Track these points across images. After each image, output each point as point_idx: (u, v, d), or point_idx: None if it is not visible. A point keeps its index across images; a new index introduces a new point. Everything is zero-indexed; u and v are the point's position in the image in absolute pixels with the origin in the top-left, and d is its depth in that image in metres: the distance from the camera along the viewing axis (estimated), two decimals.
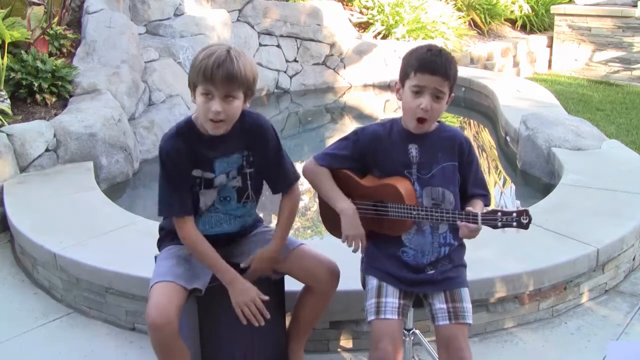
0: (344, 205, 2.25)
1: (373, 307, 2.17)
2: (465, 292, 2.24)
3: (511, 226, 2.01)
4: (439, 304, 2.19)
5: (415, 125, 2.17)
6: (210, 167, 2.27)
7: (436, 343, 2.21)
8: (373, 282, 2.24)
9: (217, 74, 2.09)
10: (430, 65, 2.10)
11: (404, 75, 2.18)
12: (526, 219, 1.99)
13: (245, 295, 2.27)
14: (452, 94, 2.19)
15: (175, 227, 2.30)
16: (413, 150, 2.21)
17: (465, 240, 2.33)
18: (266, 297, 2.30)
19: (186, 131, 2.26)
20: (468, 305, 2.21)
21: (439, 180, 2.20)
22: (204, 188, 2.29)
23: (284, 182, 2.42)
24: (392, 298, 2.18)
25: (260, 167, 2.36)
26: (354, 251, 2.29)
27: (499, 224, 2.01)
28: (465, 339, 2.15)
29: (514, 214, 2.00)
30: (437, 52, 2.14)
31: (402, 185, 2.18)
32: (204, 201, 2.32)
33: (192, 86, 2.19)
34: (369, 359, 2.16)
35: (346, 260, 2.43)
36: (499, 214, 2.01)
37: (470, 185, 2.27)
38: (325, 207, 2.37)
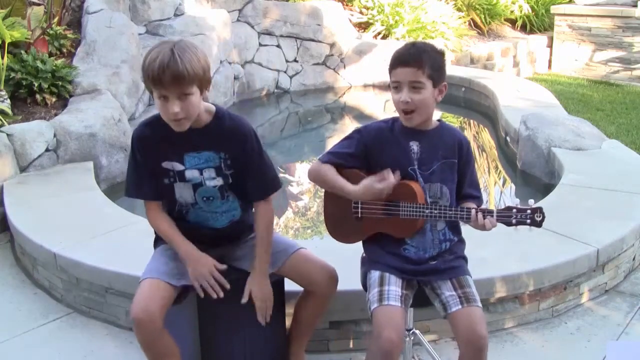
0: (351, 187, 2.21)
1: (376, 296, 2.14)
2: (470, 280, 2.23)
3: (525, 224, 1.99)
4: (448, 291, 2.17)
5: (404, 118, 2.19)
6: (180, 159, 2.29)
7: (453, 331, 2.14)
8: (375, 274, 2.22)
9: (164, 77, 2.07)
10: (401, 58, 2.15)
11: (389, 76, 2.23)
12: (540, 216, 1.98)
13: (201, 268, 2.26)
14: (444, 83, 2.19)
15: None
16: (414, 147, 2.22)
17: (466, 240, 2.34)
18: (223, 266, 2.30)
19: (160, 123, 2.27)
20: (475, 290, 2.19)
21: (438, 177, 2.21)
22: (178, 180, 2.31)
23: (260, 190, 2.37)
24: (395, 287, 2.16)
25: (239, 171, 2.33)
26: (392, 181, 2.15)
27: (514, 220, 2.00)
28: (483, 320, 2.10)
29: (528, 211, 1.99)
30: (411, 45, 2.17)
31: (415, 184, 2.18)
32: (180, 194, 2.33)
33: (149, 89, 2.19)
34: (371, 348, 2.11)
35: (345, 260, 2.43)
36: (514, 210, 2.00)
37: (466, 185, 2.28)
38: (329, 209, 2.37)
